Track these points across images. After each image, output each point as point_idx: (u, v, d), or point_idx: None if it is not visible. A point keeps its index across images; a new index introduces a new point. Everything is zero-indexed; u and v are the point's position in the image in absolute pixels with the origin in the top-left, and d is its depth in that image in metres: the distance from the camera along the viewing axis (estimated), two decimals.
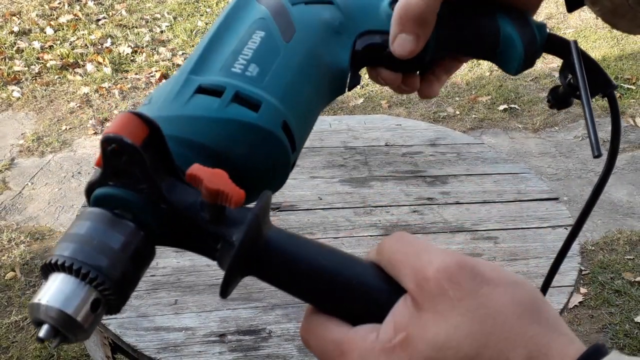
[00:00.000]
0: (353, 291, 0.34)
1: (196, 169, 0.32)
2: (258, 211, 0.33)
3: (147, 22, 4.17)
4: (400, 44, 0.44)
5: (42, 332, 0.31)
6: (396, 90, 0.50)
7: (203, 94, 0.39)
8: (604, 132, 3.09)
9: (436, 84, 0.50)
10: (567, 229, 1.38)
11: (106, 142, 0.32)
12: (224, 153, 0.38)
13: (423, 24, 0.43)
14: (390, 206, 1.43)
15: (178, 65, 3.67)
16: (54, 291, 0.32)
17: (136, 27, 4.07)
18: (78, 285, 0.32)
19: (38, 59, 3.65)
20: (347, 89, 0.47)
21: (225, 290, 0.35)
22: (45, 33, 3.92)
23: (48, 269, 0.33)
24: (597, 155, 0.41)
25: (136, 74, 3.59)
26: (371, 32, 0.46)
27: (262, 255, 0.34)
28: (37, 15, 4.11)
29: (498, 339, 0.30)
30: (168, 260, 1.26)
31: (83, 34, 3.92)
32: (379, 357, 0.31)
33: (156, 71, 3.59)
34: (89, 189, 0.35)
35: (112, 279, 0.32)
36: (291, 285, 0.35)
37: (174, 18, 4.23)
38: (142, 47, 3.84)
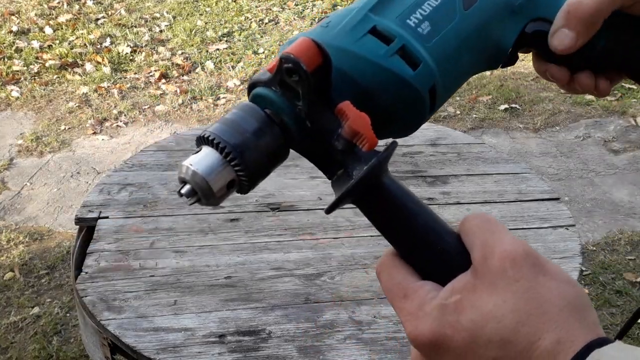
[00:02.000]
0: (434, 252, 0.39)
1: (346, 106, 0.37)
2: (382, 159, 0.38)
3: (146, 21, 4.16)
4: (560, 38, 0.45)
5: (184, 189, 0.38)
6: (565, 89, 0.50)
7: (374, 36, 0.40)
8: (605, 132, 3.09)
9: (606, 84, 0.50)
10: (568, 229, 1.37)
11: (285, 60, 0.36)
12: (372, 96, 0.41)
13: (588, 25, 0.44)
14: None
15: (177, 64, 3.66)
16: (201, 160, 0.37)
17: (135, 27, 4.07)
18: (220, 161, 0.37)
19: (37, 58, 3.65)
20: (500, 66, 0.48)
21: (330, 211, 0.40)
22: (44, 32, 3.91)
23: (201, 141, 0.38)
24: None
25: (135, 73, 3.59)
26: (543, 20, 0.46)
27: (371, 195, 0.39)
28: (36, 14, 4.10)
29: (537, 321, 0.33)
30: (167, 260, 1.25)
31: (82, 34, 3.91)
32: (433, 311, 0.36)
33: (155, 70, 3.58)
34: (252, 85, 0.40)
35: (244, 159, 0.38)
36: (386, 228, 0.40)
37: (174, 17, 4.22)
38: (141, 47, 3.83)
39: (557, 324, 0.33)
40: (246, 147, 0.38)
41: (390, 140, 0.41)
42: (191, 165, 0.37)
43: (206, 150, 0.38)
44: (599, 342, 0.33)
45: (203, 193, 0.38)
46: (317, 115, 0.38)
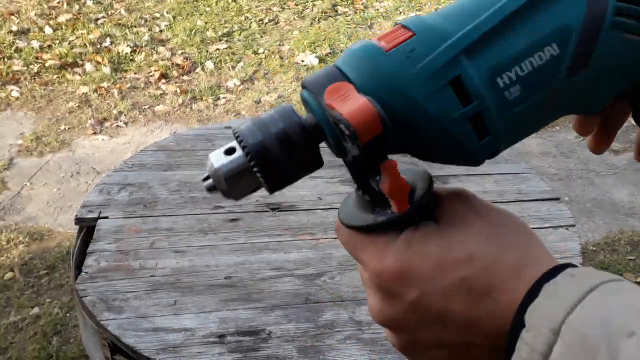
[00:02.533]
0: None
1: (391, 168, 0.37)
2: (406, 218, 0.37)
3: (146, 21, 4.16)
4: None
5: (206, 183, 0.38)
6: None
7: (454, 88, 0.35)
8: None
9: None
10: (568, 229, 1.37)
11: (346, 126, 0.34)
12: (425, 148, 0.39)
13: None
14: None
15: (177, 64, 3.66)
16: (222, 155, 0.37)
17: (135, 26, 4.07)
18: (241, 160, 0.37)
19: (37, 58, 3.64)
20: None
21: (344, 226, 0.40)
22: (44, 32, 3.91)
23: (234, 135, 0.37)
24: None
25: (135, 73, 3.58)
26: None
27: None
28: (35, 14, 4.10)
29: (500, 241, 0.37)
30: (167, 260, 1.25)
31: (82, 34, 3.91)
32: (399, 245, 0.37)
33: (155, 70, 3.58)
34: (303, 85, 0.38)
35: (263, 161, 0.36)
36: None
37: (173, 17, 4.22)
38: (141, 47, 3.83)
39: (515, 244, 0.37)
40: (265, 149, 0.36)
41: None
42: (215, 161, 0.37)
43: (232, 146, 0.37)
44: (570, 265, 0.35)
45: (222, 190, 0.38)
46: (360, 159, 0.36)
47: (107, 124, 3.16)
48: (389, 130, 0.35)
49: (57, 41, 3.82)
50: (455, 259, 0.36)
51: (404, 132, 0.37)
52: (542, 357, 0.32)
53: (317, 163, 0.39)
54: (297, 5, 4.43)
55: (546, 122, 0.39)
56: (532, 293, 0.34)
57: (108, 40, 3.87)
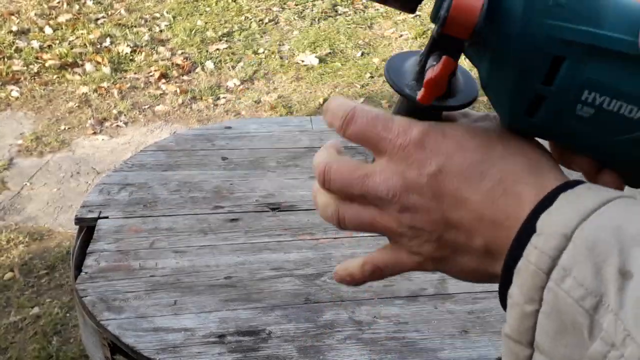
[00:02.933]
0: None
1: (445, 70, 0.36)
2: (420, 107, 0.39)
3: (146, 21, 4.16)
4: None
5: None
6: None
7: (550, 64, 0.36)
8: None
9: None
10: None
11: (445, 9, 0.35)
12: (489, 77, 0.40)
13: None
14: None
15: (177, 64, 3.66)
16: None
17: (135, 27, 4.07)
18: None
19: (37, 58, 3.64)
20: None
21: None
22: (44, 32, 3.91)
23: None
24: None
25: (135, 73, 3.58)
26: None
27: None
28: (35, 14, 4.10)
29: (517, 144, 0.38)
30: (167, 260, 1.25)
31: (82, 34, 3.91)
32: (423, 124, 0.39)
33: (155, 70, 3.58)
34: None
35: None
36: None
37: (173, 17, 4.22)
38: (141, 47, 3.83)
39: (538, 155, 0.38)
40: None
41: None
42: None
43: None
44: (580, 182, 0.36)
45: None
46: (434, 38, 0.38)
47: (107, 124, 3.16)
48: (470, 41, 0.36)
49: (57, 41, 3.82)
50: (476, 145, 0.37)
51: (482, 52, 0.38)
52: (551, 261, 0.32)
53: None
54: (297, 5, 4.43)
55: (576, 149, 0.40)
56: (547, 200, 0.34)
57: (108, 40, 3.87)
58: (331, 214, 0.40)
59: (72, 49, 3.74)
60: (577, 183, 0.35)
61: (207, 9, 4.34)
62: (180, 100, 3.35)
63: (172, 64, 3.67)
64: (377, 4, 4.60)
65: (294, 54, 3.82)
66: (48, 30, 3.93)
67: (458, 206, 0.37)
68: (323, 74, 3.62)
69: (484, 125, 0.40)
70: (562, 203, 0.33)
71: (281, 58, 3.78)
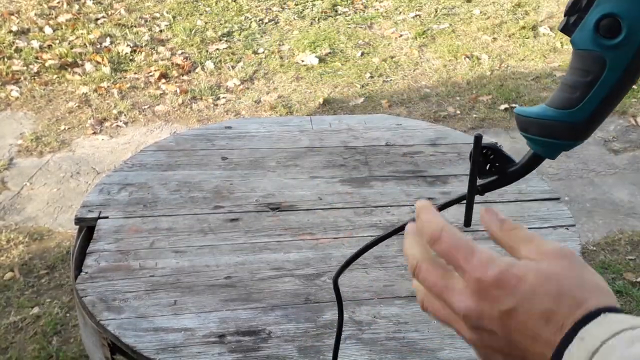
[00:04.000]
0: None
1: None
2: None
3: (146, 21, 4.16)
4: None
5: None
6: None
7: None
8: (605, 131, 3.09)
9: None
10: (568, 229, 1.37)
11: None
12: None
13: None
14: (390, 206, 1.43)
15: (177, 64, 3.66)
16: None
17: (135, 26, 4.07)
18: None
19: (37, 58, 3.64)
20: None
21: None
22: (44, 32, 3.91)
23: None
24: (467, 226, 0.56)
25: (135, 73, 3.58)
26: None
27: None
28: (35, 14, 4.10)
29: (583, 292, 0.42)
30: (167, 260, 1.25)
31: (82, 33, 3.91)
32: (502, 262, 0.44)
33: (155, 70, 3.58)
34: None
35: None
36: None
37: (173, 17, 4.22)
38: (141, 47, 3.83)
39: (599, 295, 0.42)
40: None
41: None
42: None
43: None
44: (594, 313, 0.41)
45: None
46: None
47: (107, 124, 3.16)
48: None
49: (57, 41, 3.82)
50: (546, 292, 0.42)
51: None
52: None
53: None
54: (297, 5, 4.43)
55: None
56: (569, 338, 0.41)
57: (108, 40, 3.87)
58: (419, 299, 0.49)
59: (72, 48, 3.74)
60: (595, 314, 0.41)
61: (207, 8, 4.34)
62: (180, 100, 3.35)
63: (172, 63, 3.67)
64: (377, 3, 4.59)
65: (293, 54, 3.82)
66: (48, 30, 3.93)
67: (528, 339, 0.42)
68: (323, 74, 3.62)
69: (554, 265, 0.44)
70: (576, 344, 0.40)
71: (281, 58, 3.78)
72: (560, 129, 0.50)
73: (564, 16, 0.48)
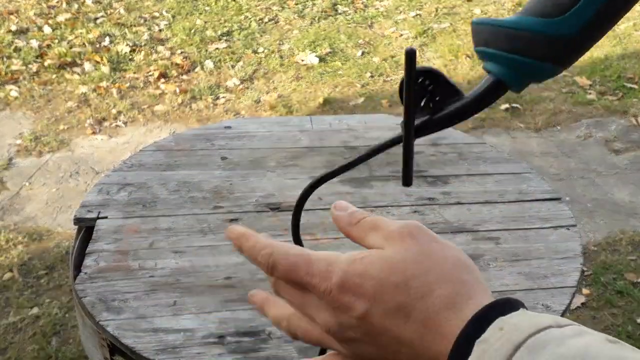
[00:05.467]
0: None
1: None
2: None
3: (145, 20, 4.16)
4: None
5: None
6: None
7: None
8: (606, 131, 3.08)
9: None
10: (569, 229, 1.36)
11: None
12: None
13: None
14: (391, 206, 1.42)
15: (177, 64, 3.65)
16: None
17: (134, 26, 4.06)
18: None
19: (36, 57, 3.64)
20: None
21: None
22: (43, 32, 3.90)
23: None
24: (406, 185, 0.46)
25: (134, 73, 3.58)
26: None
27: None
28: (35, 13, 4.10)
29: (435, 273, 0.39)
30: (167, 261, 1.25)
31: (81, 33, 3.90)
32: (341, 264, 0.40)
33: (154, 70, 3.57)
34: None
35: None
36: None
37: (173, 16, 4.21)
38: (141, 46, 3.83)
39: (451, 277, 0.39)
40: None
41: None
42: None
43: None
44: (500, 304, 0.37)
45: None
46: None
47: (106, 123, 3.16)
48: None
49: (56, 40, 3.82)
50: (395, 285, 0.38)
51: None
52: None
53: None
54: (297, 4, 4.42)
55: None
56: (474, 330, 0.36)
57: (107, 39, 3.86)
58: (284, 328, 0.45)
59: (71, 48, 3.73)
60: (490, 310, 0.37)
61: (207, 8, 4.33)
62: (179, 100, 3.34)
63: (172, 63, 3.66)
64: (377, 3, 4.58)
65: (293, 53, 3.82)
66: (47, 30, 3.92)
67: (393, 341, 0.39)
68: (323, 74, 3.61)
69: (398, 249, 0.40)
70: (477, 354, 0.36)
71: (281, 57, 3.78)
72: (536, 43, 0.37)
73: None
